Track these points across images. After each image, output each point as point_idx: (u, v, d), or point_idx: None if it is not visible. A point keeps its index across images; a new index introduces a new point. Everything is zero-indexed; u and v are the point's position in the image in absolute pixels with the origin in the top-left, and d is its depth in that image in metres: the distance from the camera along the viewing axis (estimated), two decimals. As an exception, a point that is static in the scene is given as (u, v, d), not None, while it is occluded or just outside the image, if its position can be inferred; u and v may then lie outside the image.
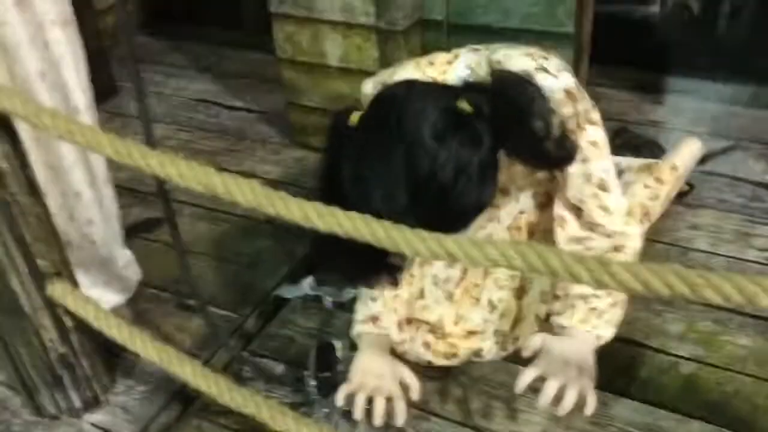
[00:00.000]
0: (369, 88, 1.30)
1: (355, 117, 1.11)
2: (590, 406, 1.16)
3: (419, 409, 1.35)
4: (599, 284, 0.79)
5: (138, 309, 1.64)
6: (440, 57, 1.26)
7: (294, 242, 1.79)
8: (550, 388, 1.17)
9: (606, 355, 1.29)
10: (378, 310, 1.36)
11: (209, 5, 2.89)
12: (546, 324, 1.39)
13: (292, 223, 0.92)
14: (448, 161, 1.02)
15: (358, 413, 1.27)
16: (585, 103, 1.23)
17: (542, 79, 1.16)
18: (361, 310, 1.38)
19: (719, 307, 1.49)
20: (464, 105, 1.05)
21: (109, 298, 1.57)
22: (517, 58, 1.20)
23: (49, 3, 1.30)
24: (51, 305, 1.26)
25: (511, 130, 1.09)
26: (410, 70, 1.25)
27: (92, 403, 1.41)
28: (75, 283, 1.31)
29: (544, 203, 1.42)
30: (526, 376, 1.20)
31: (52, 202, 1.36)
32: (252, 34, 2.78)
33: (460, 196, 1.03)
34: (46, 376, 1.33)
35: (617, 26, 2.12)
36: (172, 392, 1.43)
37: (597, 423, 1.29)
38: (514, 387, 1.22)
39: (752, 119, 2.08)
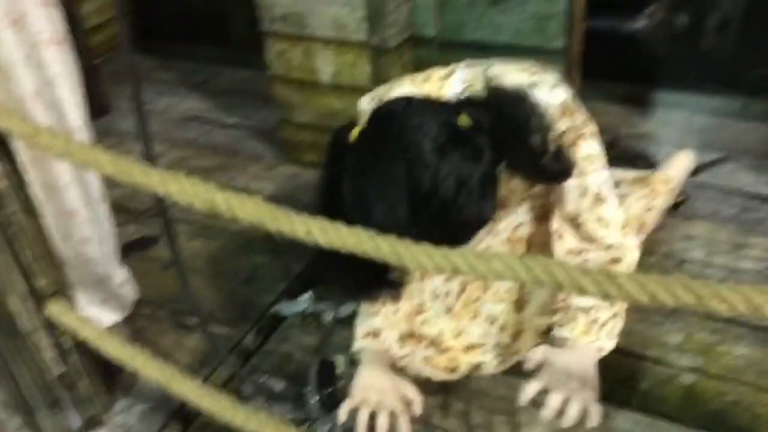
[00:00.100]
0: (366, 103, 1.31)
1: (354, 133, 1.11)
2: (594, 419, 1.17)
3: (421, 423, 1.35)
4: (606, 296, 0.80)
5: (135, 327, 1.63)
6: (436, 72, 1.27)
7: (291, 258, 1.79)
8: (553, 401, 1.17)
9: (606, 366, 1.30)
10: (379, 325, 1.35)
11: (199, 23, 2.90)
12: (546, 337, 1.39)
13: (291, 239, 0.92)
14: (449, 175, 1.02)
15: (361, 429, 1.26)
16: (581, 117, 1.25)
17: (538, 94, 1.17)
18: (362, 326, 1.37)
19: (717, 318, 1.50)
20: (464, 119, 1.06)
21: (106, 316, 1.56)
22: (513, 73, 1.21)
23: (44, 22, 1.30)
24: (49, 325, 1.25)
25: (510, 145, 1.10)
26: (406, 86, 1.26)
27: (92, 423, 1.39)
28: (73, 303, 1.30)
29: (542, 216, 1.43)
30: (530, 389, 1.20)
31: (48, 221, 1.36)
32: (242, 51, 2.79)
33: (462, 210, 1.04)
34: (46, 396, 1.31)
35: (606, 41, 2.14)
36: (172, 411, 1.42)
37: (599, 435, 1.30)
38: (516, 400, 1.22)
39: (741, 131, 2.11)
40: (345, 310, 1.58)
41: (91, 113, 1.47)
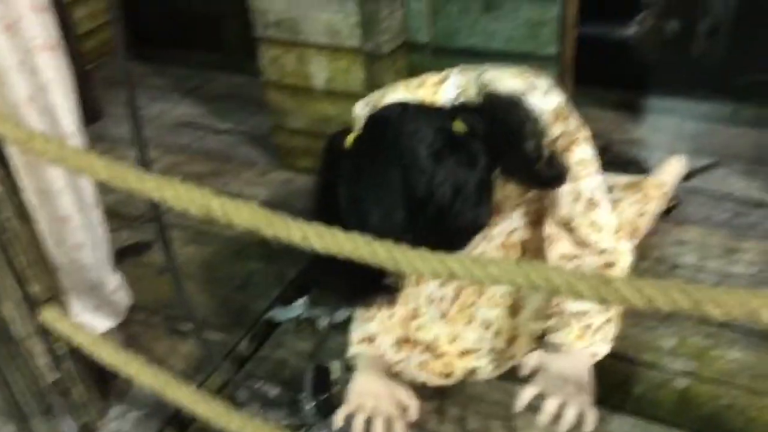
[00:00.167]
0: (360, 109, 1.31)
1: (350, 139, 1.11)
2: (590, 423, 1.17)
3: (417, 429, 1.34)
4: (602, 301, 0.80)
5: (128, 333, 1.62)
6: (430, 78, 1.28)
7: (285, 264, 1.79)
8: (550, 406, 1.17)
9: (600, 371, 1.30)
10: (374, 330, 1.35)
11: (192, 28, 2.90)
12: (541, 342, 1.40)
13: (285, 245, 0.92)
14: (445, 181, 1.02)
15: (357, 435, 1.26)
16: (574, 122, 1.25)
17: (532, 99, 1.18)
18: (357, 331, 1.37)
19: (710, 322, 1.51)
20: (459, 125, 1.06)
21: (100, 323, 1.55)
22: (507, 79, 1.22)
23: (38, 28, 1.30)
24: (43, 331, 1.24)
25: (504, 150, 1.10)
26: (401, 92, 1.26)
27: (86, 430, 1.38)
28: (67, 309, 1.29)
29: (536, 221, 1.44)
30: (526, 394, 1.20)
31: (41, 226, 1.35)
32: (235, 57, 2.79)
33: (458, 215, 1.04)
34: (40, 403, 1.31)
35: (597, 48, 2.15)
36: (167, 417, 1.42)
37: (594, 439, 1.30)
38: (511, 405, 1.23)
39: (732, 136, 2.12)
40: (340, 315, 1.58)
41: (84, 119, 1.47)
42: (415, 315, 1.43)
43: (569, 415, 1.16)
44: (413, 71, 1.90)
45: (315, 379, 1.37)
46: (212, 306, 1.72)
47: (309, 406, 1.34)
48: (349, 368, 1.39)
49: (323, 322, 1.59)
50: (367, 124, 1.13)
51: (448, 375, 1.41)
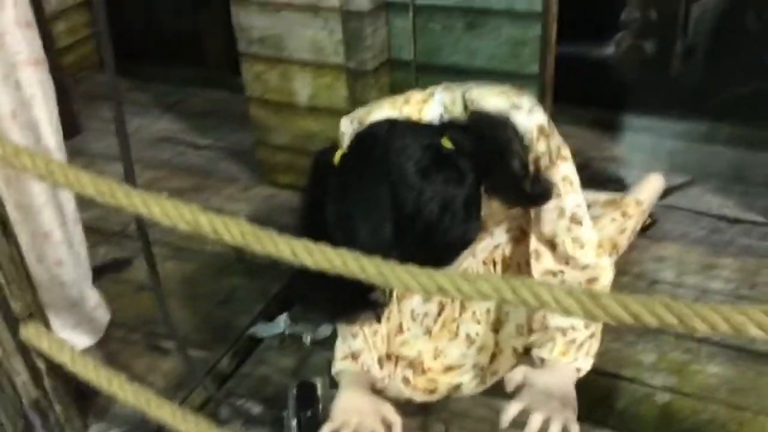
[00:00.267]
0: (345, 126, 1.31)
1: (337, 155, 1.12)
2: (574, 438, 1.18)
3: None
4: (590, 316, 0.81)
5: (108, 351, 1.60)
6: (415, 95, 1.29)
7: (268, 280, 1.78)
8: (535, 421, 1.18)
9: (582, 386, 1.31)
10: (358, 346, 1.35)
11: (172, 44, 2.89)
12: (523, 357, 1.40)
13: (266, 261, 0.92)
14: (433, 198, 1.03)
15: (341, 452, 1.26)
16: (557, 139, 1.27)
17: (516, 117, 1.19)
18: (341, 347, 1.37)
19: (689, 337, 1.53)
20: (447, 142, 1.08)
21: (79, 340, 1.53)
22: (492, 97, 1.23)
23: (22, 42, 1.29)
24: (23, 348, 1.22)
25: (492, 168, 1.11)
26: (386, 109, 1.27)
27: (65, 450, 1.36)
28: (48, 325, 1.27)
29: (519, 237, 1.45)
30: (511, 410, 1.20)
31: (22, 242, 1.33)
32: (216, 73, 2.79)
33: (446, 232, 1.05)
34: (18, 422, 1.28)
35: (575, 67, 2.19)
36: (148, 436, 1.40)
37: (578, 455, 1.31)
38: (496, 421, 1.23)
39: (707, 155, 2.16)
40: (323, 331, 1.57)
41: (63, 133, 1.46)
42: (399, 331, 1.43)
43: (554, 431, 1.17)
44: (396, 88, 1.92)
45: (299, 396, 1.36)
46: (193, 322, 1.70)
47: (292, 423, 1.33)
48: (333, 385, 1.38)
49: (307, 339, 1.58)
50: (354, 140, 1.14)
51: (432, 391, 1.41)
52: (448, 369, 1.42)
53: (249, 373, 1.56)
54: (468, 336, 1.44)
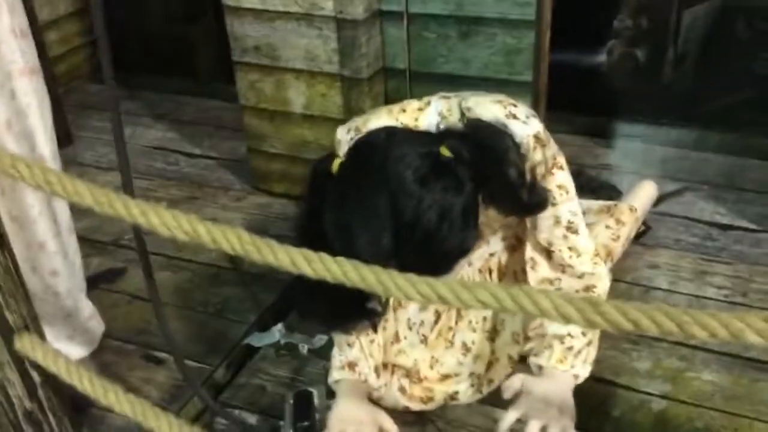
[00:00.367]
0: (342, 134, 1.31)
1: (336, 164, 1.12)
2: (572, 446, 1.18)
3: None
4: (590, 324, 0.81)
5: (102, 361, 1.59)
6: (412, 104, 1.29)
7: (261, 289, 1.78)
8: (533, 429, 1.18)
9: (579, 394, 1.31)
10: (355, 355, 1.35)
11: (164, 53, 2.89)
12: (520, 365, 1.41)
13: (259, 270, 0.92)
14: (432, 206, 1.03)
15: (339, 461, 1.25)
16: (552, 148, 1.27)
17: (513, 126, 1.20)
18: (338, 357, 1.37)
19: (684, 344, 1.54)
20: (446, 151, 1.08)
21: (73, 351, 1.52)
22: (488, 105, 1.23)
23: (17, 52, 1.29)
24: (18, 360, 1.21)
25: (489, 176, 1.11)
26: (384, 117, 1.27)
27: (60, 462, 1.35)
28: (43, 337, 1.26)
29: (514, 245, 1.45)
30: (509, 418, 1.20)
31: (16, 253, 1.32)
32: (208, 82, 2.79)
33: (444, 240, 1.05)
34: (13, 435, 1.27)
35: (568, 75, 2.20)
36: (143, 447, 1.39)
37: (576, 462, 1.31)
38: (492, 429, 1.23)
39: (699, 161, 2.17)
40: (318, 341, 1.57)
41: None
42: (395, 340, 1.43)
43: (552, 438, 1.17)
44: (391, 97, 1.92)
45: (295, 406, 1.35)
46: (187, 333, 1.70)
47: (289, 433, 1.33)
48: (330, 394, 1.38)
49: (303, 349, 1.58)
50: (352, 149, 1.14)
51: (428, 400, 1.41)
52: (445, 378, 1.42)
53: (244, 383, 1.56)
54: (464, 344, 1.44)
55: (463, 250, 1.09)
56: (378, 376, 1.37)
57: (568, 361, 1.28)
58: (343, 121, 1.38)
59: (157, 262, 1.89)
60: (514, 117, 1.21)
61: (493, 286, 0.84)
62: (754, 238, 1.85)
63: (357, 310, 1.25)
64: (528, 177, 1.17)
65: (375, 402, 1.37)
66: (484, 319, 1.45)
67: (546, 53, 1.89)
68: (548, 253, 1.33)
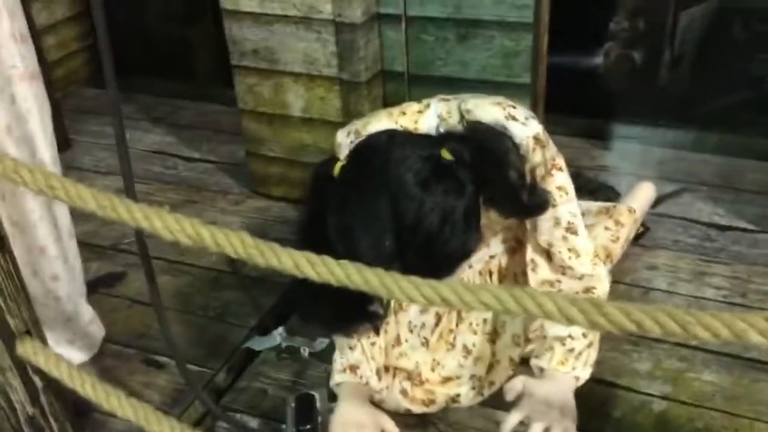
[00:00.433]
0: (342, 137, 1.31)
1: (337, 167, 1.12)
2: (574, 447, 1.18)
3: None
4: (593, 325, 0.81)
5: (102, 366, 1.59)
6: (412, 107, 1.30)
7: (262, 293, 1.78)
8: (535, 431, 1.18)
9: (579, 395, 1.32)
10: (357, 358, 1.35)
11: (162, 57, 2.89)
12: (520, 367, 1.41)
13: (259, 273, 0.92)
14: (434, 208, 1.04)
15: (341, 465, 1.25)
16: (552, 149, 1.28)
17: (512, 128, 1.20)
18: (340, 360, 1.37)
19: (684, 345, 1.54)
20: (446, 153, 1.08)
21: (74, 355, 1.53)
22: (487, 107, 1.24)
23: (17, 57, 1.29)
24: (20, 365, 1.21)
25: (490, 178, 1.12)
26: (383, 120, 1.27)
27: (62, 467, 1.35)
28: (45, 342, 1.26)
29: (514, 247, 1.46)
30: (512, 420, 1.21)
31: (17, 257, 1.32)
32: (206, 86, 2.79)
33: (446, 242, 1.05)
34: (16, 440, 1.27)
35: (565, 77, 2.21)
36: (145, 452, 1.39)
37: (578, 463, 1.31)
38: (495, 431, 1.23)
39: (697, 163, 2.18)
40: (320, 344, 1.57)
41: (54, 148, 1.45)
42: (396, 343, 1.43)
43: (554, 440, 1.18)
44: (389, 100, 1.93)
45: (297, 410, 1.35)
46: (188, 337, 1.69)
47: (291, 436, 1.33)
48: (331, 397, 1.38)
49: (305, 352, 1.58)
50: (353, 152, 1.14)
51: (430, 402, 1.41)
52: (446, 380, 1.42)
53: (246, 387, 1.56)
54: (465, 347, 1.44)
55: (465, 253, 1.10)
56: (379, 378, 1.38)
57: (569, 362, 1.29)
58: (341, 125, 1.38)
59: (157, 267, 1.87)
60: (514, 119, 1.22)
61: (496, 288, 0.85)
62: (752, 238, 1.86)
63: (359, 313, 1.25)
64: (528, 179, 1.17)
65: (377, 405, 1.37)
66: (485, 321, 1.45)
67: (544, 55, 1.89)
68: (548, 254, 1.33)
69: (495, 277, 1.48)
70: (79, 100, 2.85)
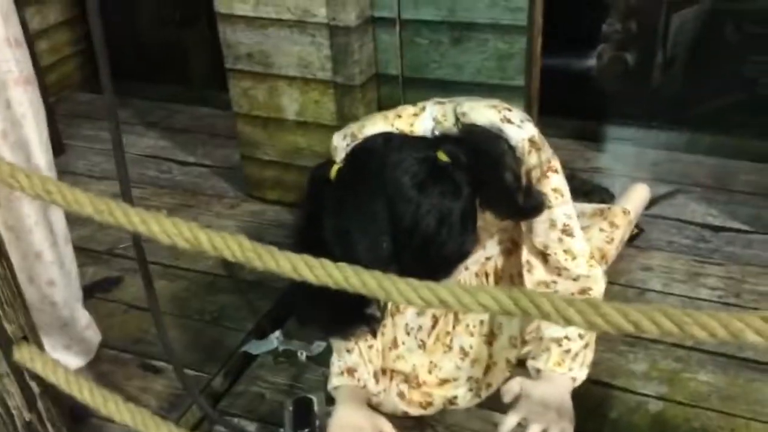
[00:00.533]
0: (338, 140, 1.32)
1: (333, 170, 1.12)
2: (572, 448, 1.19)
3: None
4: (591, 326, 0.82)
5: (99, 371, 1.59)
6: (407, 110, 1.30)
7: (258, 297, 1.78)
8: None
9: (576, 396, 1.32)
10: (354, 361, 1.35)
11: (155, 60, 2.89)
12: (517, 369, 1.41)
13: (255, 277, 0.92)
14: (431, 211, 1.04)
15: (340, 467, 1.25)
16: (547, 151, 1.28)
17: (508, 130, 1.21)
18: (337, 363, 1.37)
19: (680, 346, 1.55)
20: (443, 156, 1.08)
21: (71, 361, 1.52)
22: (483, 110, 1.24)
23: (12, 61, 1.28)
24: (17, 371, 1.20)
25: (486, 180, 1.12)
26: (379, 123, 1.28)
27: (59, 473, 1.34)
28: (41, 347, 1.26)
29: (510, 249, 1.46)
30: (509, 422, 1.21)
31: (13, 263, 1.32)
32: (201, 90, 2.79)
33: (443, 245, 1.05)
34: (12, 446, 1.26)
35: (559, 79, 2.22)
36: (143, 457, 1.38)
37: (575, 464, 1.32)
38: (493, 433, 1.24)
39: (690, 164, 2.19)
40: (317, 347, 1.57)
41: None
42: (393, 345, 1.43)
43: (552, 441, 1.18)
44: (384, 103, 1.93)
45: (295, 413, 1.35)
46: (184, 342, 1.69)
47: (289, 440, 1.33)
48: (329, 401, 1.38)
49: (302, 355, 1.58)
50: (350, 154, 1.15)
51: (427, 405, 1.41)
52: (443, 382, 1.42)
53: (243, 391, 1.56)
54: (462, 349, 1.44)
55: (463, 255, 1.10)
56: (377, 381, 1.38)
57: (565, 364, 1.29)
58: (336, 128, 1.39)
59: (153, 271, 1.85)
60: (509, 121, 1.22)
61: (493, 289, 0.85)
62: (746, 239, 1.87)
63: (357, 315, 1.25)
64: (524, 181, 1.18)
65: (374, 408, 1.37)
66: (482, 323, 1.46)
67: (538, 58, 1.90)
68: (544, 256, 1.33)
69: (491, 278, 1.49)
70: (73, 105, 2.85)
